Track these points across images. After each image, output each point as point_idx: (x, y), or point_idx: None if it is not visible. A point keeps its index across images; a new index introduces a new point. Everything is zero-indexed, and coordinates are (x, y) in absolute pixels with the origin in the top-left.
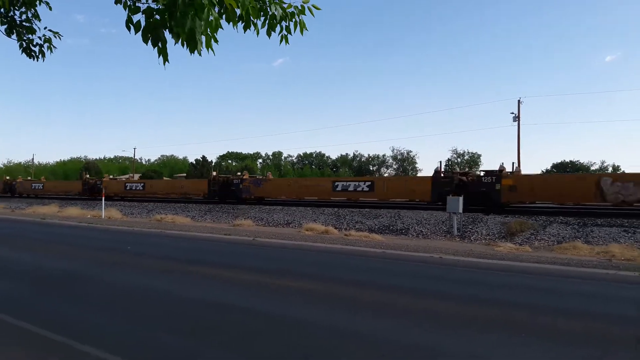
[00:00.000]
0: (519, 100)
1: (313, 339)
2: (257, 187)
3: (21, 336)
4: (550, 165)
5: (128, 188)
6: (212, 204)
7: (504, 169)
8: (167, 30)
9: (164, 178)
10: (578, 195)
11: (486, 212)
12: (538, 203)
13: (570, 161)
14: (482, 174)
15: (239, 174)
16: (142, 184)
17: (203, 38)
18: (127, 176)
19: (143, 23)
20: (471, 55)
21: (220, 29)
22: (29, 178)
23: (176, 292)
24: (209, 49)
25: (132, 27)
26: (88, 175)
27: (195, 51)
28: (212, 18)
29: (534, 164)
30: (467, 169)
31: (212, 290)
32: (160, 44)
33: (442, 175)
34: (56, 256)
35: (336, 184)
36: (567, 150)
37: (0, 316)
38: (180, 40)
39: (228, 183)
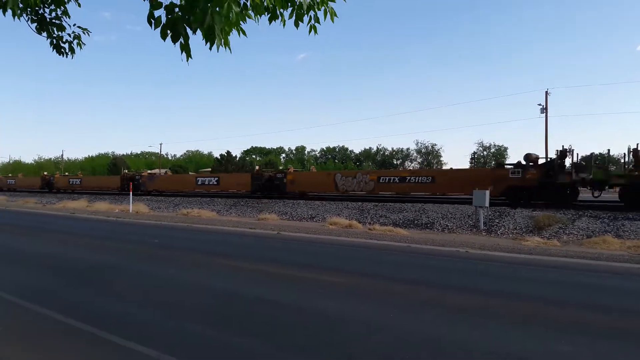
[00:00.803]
0: (546, 92)
1: (340, 331)
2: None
3: (49, 325)
4: (580, 157)
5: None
6: (237, 198)
7: (290, 168)
8: (187, 26)
9: (190, 173)
10: (322, 187)
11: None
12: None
13: (600, 153)
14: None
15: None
16: (216, 178)
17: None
18: (160, 171)
19: (164, 19)
20: (498, 46)
21: (243, 23)
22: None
23: (204, 284)
24: (227, 47)
25: (153, 22)
26: (127, 171)
27: (215, 47)
28: (232, 14)
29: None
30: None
31: (239, 283)
32: (182, 40)
33: (257, 172)
34: (86, 249)
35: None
36: (597, 142)
37: (30, 306)
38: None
39: (271, 178)
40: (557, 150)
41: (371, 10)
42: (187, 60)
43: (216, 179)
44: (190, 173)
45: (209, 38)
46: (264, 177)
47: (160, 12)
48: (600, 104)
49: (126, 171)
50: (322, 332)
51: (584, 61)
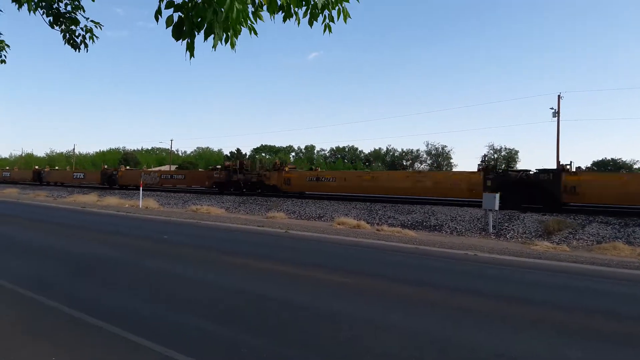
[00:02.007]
0: (559, 96)
1: (346, 330)
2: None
3: (58, 318)
4: (591, 162)
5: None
6: (246, 196)
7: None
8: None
9: (199, 169)
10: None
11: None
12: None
13: (612, 159)
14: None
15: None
16: (182, 175)
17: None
18: (171, 167)
19: (175, 19)
20: (511, 49)
21: (254, 22)
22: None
23: (212, 281)
24: (233, 44)
25: (160, 17)
26: (106, 166)
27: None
28: (233, 13)
29: (574, 161)
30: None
31: (246, 280)
32: (189, 39)
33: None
34: (95, 243)
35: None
36: (611, 146)
37: (39, 298)
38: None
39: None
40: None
41: (383, 11)
42: (190, 59)
43: (182, 175)
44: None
45: (208, 35)
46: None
47: (170, 11)
48: (613, 108)
49: (106, 166)
50: (328, 330)
51: (597, 65)
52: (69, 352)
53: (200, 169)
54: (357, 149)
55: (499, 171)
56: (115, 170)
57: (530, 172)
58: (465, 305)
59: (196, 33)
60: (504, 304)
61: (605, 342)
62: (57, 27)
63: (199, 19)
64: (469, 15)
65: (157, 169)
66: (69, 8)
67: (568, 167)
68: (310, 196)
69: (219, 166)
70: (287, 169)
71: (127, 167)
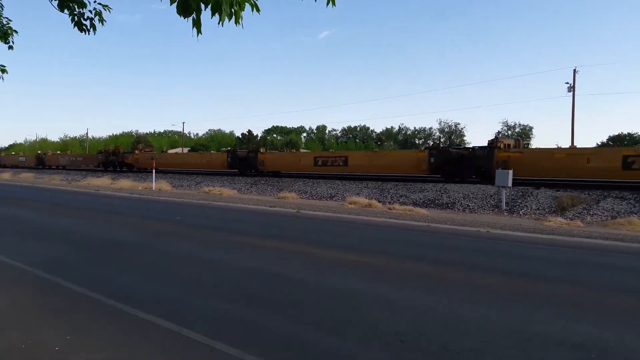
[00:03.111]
0: (574, 70)
1: (361, 309)
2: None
3: (75, 300)
4: (607, 137)
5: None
6: (257, 177)
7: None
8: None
9: (212, 151)
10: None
11: None
12: None
13: (628, 133)
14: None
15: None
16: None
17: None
18: (183, 149)
19: None
20: (524, 23)
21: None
22: (58, 152)
23: (226, 261)
24: (239, 19)
25: None
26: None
27: (227, 24)
28: None
29: (590, 136)
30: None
31: (260, 260)
32: (194, 15)
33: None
34: (110, 226)
35: None
36: (627, 121)
37: (58, 280)
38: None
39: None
40: None
41: None
42: (197, 36)
43: (81, 157)
44: (212, 151)
45: (216, 11)
46: (239, 156)
47: None
48: (630, 82)
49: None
50: (344, 310)
51: (613, 38)
52: (85, 331)
53: (125, 152)
54: (368, 128)
55: (442, 148)
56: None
57: (469, 149)
58: (479, 282)
59: (202, 9)
60: (517, 281)
61: (619, 317)
62: (65, 11)
63: None
64: None
65: (64, 153)
66: None
67: (501, 143)
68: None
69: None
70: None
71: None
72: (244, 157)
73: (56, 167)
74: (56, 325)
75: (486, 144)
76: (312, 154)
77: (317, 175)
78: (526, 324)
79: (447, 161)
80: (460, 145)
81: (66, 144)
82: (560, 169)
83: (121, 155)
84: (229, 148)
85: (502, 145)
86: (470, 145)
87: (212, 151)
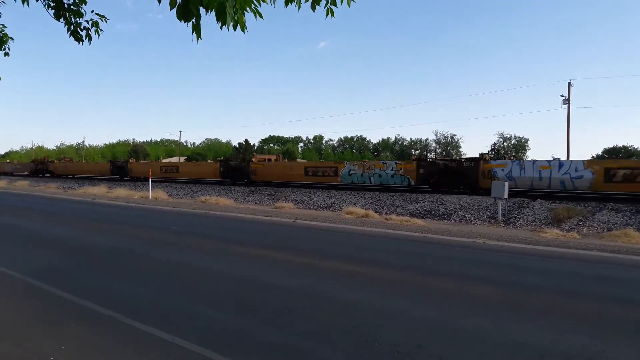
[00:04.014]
0: (569, 83)
1: (356, 319)
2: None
3: (69, 309)
4: (602, 150)
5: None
6: (254, 187)
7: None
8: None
9: (208, 160)
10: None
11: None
12: None
13: (623, 146)
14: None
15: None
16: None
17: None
18: (180, 158)
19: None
20: (520, 36)
21: (258, 4)
22: (58, 159)
23: (220, 270)
24: (243, 28)
25: (163, 0)
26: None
27: (225, 32)
28: None
29: (585, 149)
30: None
31: (255, 269)
32: (194, 20)
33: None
34: (105, 234)
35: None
36: (621, 134)
37: (52, 289)
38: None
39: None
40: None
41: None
42: (197, 41)
43: (18, 165)
44: (209, 160)
45: (221, 17)
46: (232, 166)
47: None
48: (625, 95)
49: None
50: (337, 319)
51: (608, 52)
52: (79, 341)
53: (50, 161)
54: (365, 138)
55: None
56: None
57: (455, 161)
58: (474, 293)
59: (202, 14)
60: (512, 292)
61: (612, 328)
62: (61, 20)
63: (208, 1)
64: (478, 2)
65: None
66: (71, 1)
67: (486, 156)
68: (318, 186)
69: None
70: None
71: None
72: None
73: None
74: (51, 334)
75: (477, 156)
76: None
77: (310, 185)
78: (520, 335)
79: (434, 172)
80: (447, 157)
81: (62, 152)
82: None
83: (47, 164)
84: (221, 158)
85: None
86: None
87: (204, 160)
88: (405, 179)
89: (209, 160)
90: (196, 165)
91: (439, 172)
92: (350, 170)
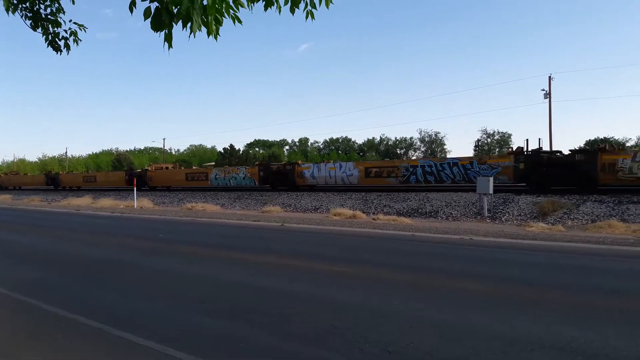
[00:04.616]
0: (549, 77)
1: (346, 319)
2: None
3: (56, 323)
4: (584, 142)
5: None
6: (241, 192)
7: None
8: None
9: (193, 167)
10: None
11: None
12: None
13: (605, 137)
14: None
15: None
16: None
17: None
18: (164, 166)
19: (153, 9)
20: (500, 33)
21: (243, 9)
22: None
23: (209, 276)
24: (214, 34)
25: (134, 9)
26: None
27: (204, 39)
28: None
29: (567, 141)
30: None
31: (244, 274)
32: (167, 30)
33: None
34: (93, 244)
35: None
36: (602, 126)
37: (37, 303)
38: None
39: (140, 174)
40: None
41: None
42: (169, 49)
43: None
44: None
45: (186, 23)
46: (137, 173)
47: (147, 3)
48: (605, 88)
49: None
50: (329, 320)
51: (588, 45)
52: (67, 355)
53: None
54: (350, 139)
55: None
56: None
57: (290, 164)
58: (463, 289)
59: (174, 23)
60: (500, 286)
61: (600, 319)
62: (38, 30)
63: (176, 8)
64: (457, 2)
65: None
66: (49, 10)
67: (299, 160)
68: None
69: None
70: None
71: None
72: (138, 174)
73: (13, 187)
74: (35, 348)
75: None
76: (183, 171)
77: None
78: (510, 328)
79: (269, 174)
80: (281, 162)
81: (45, 164)
82: None
83: None
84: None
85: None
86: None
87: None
88: (252, 180)
89: (121, 171)
90: (108, 174)
91: (273, 174)
92: (216, 175)
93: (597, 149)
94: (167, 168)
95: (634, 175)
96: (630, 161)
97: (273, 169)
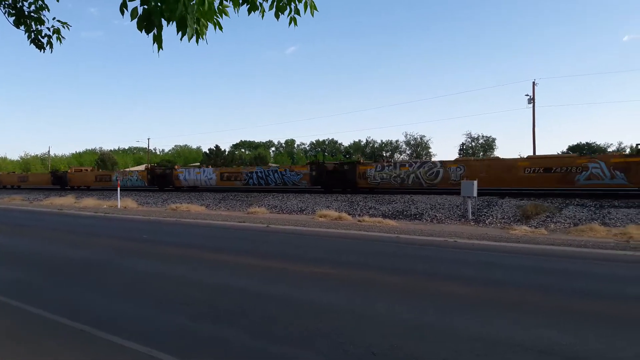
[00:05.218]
0: (533, 82)
1: (329, 321)
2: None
3: (39, 324)
4: (567, 147)
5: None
6: (226, 192)
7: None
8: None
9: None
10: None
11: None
12: None
13: (587, 142)
14: None
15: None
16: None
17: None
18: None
19: (140, 11)
20: (486, 37)
21: (226, 16)
22: None
23: (195, 279)
24: (203, 36)
25: (126, 11)
26: None
27: (194, 40)
28: (205, 4)
29: (550, 146)
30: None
31: (230, 277)
32: (155, 31)
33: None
34: (76, 245)
35: None
36: (584, 131)
37: (19, 304)
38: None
39: (61, 175)
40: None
41: (360, 3)
42: (158, 51)
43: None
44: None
45: (181, 29)
46: (58, 175)
47: (135, 3)
48: (588, 94)
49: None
50: (314, 323)
51: (571, 52)
52: (51, 356)
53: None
54: (337, 141)
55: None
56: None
57: (337, 164)
58: (447, 291)
59: (165, 25)
60: (483, 288)
61: (580, 321)
62: (21, 27)
63: (169, 12)
64: (444, 3)
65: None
66: (32, 8)
67: (361, 159)
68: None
69: None
70: None
71: None
72: (59, 175)
73: None
74: (17, 351)
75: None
76: (94, 173)
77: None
78: (492, 330)
79: (324, 173)
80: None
81: (27, 163)
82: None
83: None
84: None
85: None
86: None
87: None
88: (142, 182)
89: (47, 173)
90: (37, 175)
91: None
92: (117, 176)
93: (356, 162)
94: (86, 170)
95: (375, 181)
96: (373, 171)
97: (158, 172)
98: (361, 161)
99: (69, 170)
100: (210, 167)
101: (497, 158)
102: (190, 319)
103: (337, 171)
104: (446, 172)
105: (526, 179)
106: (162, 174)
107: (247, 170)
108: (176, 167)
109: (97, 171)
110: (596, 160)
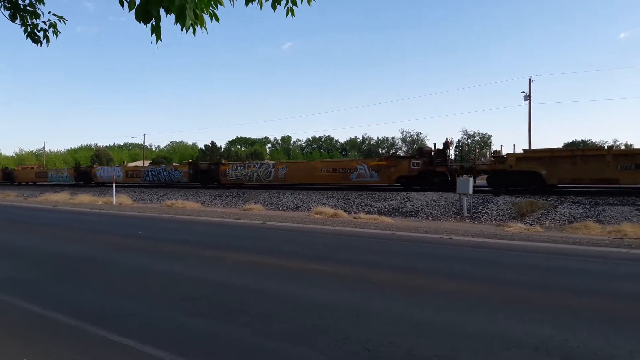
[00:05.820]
0: (529, 79)
1: (326, 318)
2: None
3: (34, 320)
4: (562, 144)
5: None
6: (222, 189)
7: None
8: (161, 7)
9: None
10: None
11: None
12: None
13: (582, 140)
14: None
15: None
16: None
17: (201, 16)
18: (144, 162)
19: (138, 1)
20: (483, 34)
21: (221, 6)
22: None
23: (190, 275)
24: (202, 27)
25: (125, 3)
26: None
27: (190, 35)
28: None
29: (546, 143)
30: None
31: (226, 273)
32: (154, 22)
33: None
34: (71, 242)
35: None
36: (580, 128)
37: (14, 301)
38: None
39: (10, 171)
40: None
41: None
42: (157, 42)
43: None
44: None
45: (180, 19)
46: (7, 172)
47: None
48: (584, 91)
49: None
50: (311, 320)
51: (568, 49)
52: (45, 353)
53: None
54: (333, 138)
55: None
56: None
57: (204, 163)
58: (443, 288)
59: (163, 15)
60: (479, 285)
61: (574, 318)
62: (17, 21)
63: (168, 2)
64: (441, 2)
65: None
66: (27, 1)
67: (224, 160)
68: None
69: None
70: None
71: None
72: (7, 172)
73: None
74: (14, 346)
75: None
76: (34, 171)
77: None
78: (489, 327)
79: (198, 172)
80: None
81: (22, 159)
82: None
83: None
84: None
85: (224, 162)
86: (207, 161)
87: None
88: (70, 178)
89: None
90: None
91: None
92: (52, 174)
93: (219, 163)
94: (32, 168)
95: (232, 178)
96: (231, 170)
97: (81, 170)
98: (223, 162)
99: (15, 168)
100: (118, 166)
101: (301, 161)
102: (189, 316)
103: (208, 170)
104: (276, 171)
105: (322, 177)
106: (85, 171)
107: (144, 169)
108: (93, 166)
109: (38, 169)
110: (362, 163)
